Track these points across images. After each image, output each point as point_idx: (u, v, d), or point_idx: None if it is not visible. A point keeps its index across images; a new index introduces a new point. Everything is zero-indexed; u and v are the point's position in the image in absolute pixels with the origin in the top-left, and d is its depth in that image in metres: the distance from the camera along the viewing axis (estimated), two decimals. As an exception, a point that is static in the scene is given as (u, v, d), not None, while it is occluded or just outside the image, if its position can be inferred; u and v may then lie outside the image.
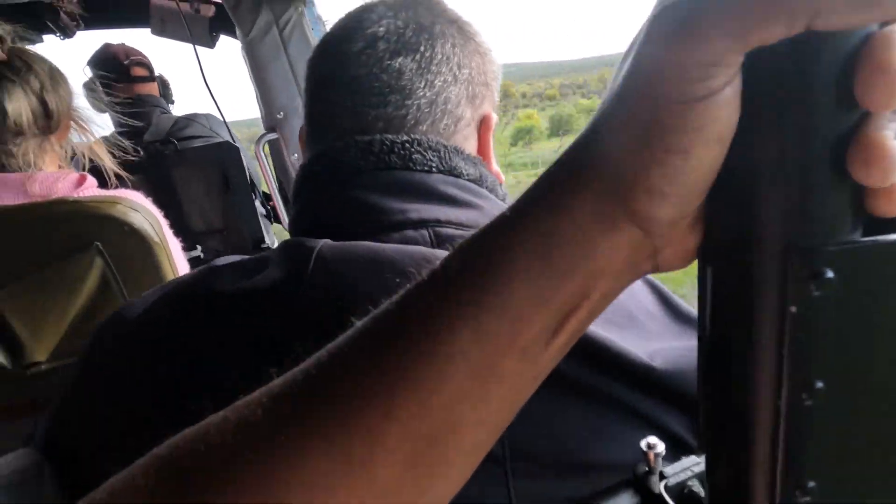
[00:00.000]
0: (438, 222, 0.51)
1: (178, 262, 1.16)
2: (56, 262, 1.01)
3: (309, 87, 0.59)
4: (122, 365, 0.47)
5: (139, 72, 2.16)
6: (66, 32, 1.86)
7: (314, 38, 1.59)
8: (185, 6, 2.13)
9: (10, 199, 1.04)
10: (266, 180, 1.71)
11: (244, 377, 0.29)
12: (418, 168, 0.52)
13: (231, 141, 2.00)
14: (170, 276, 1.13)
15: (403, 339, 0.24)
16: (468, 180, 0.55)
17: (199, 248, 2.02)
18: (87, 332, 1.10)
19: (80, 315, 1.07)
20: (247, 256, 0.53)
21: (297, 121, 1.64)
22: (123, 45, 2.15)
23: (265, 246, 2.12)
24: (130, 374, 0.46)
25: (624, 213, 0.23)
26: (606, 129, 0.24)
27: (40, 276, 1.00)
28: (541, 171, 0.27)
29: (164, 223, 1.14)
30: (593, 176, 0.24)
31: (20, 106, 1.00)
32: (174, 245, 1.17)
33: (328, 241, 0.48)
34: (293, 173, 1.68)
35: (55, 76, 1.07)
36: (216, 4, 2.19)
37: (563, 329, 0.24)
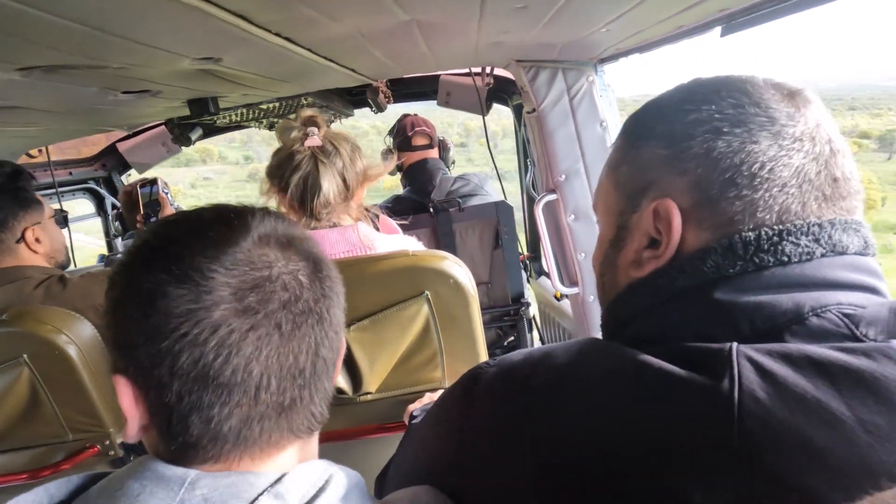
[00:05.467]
0: (840, 304, 0.46)
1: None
2: (393, 306, 1.16)
3: (730, 176, 0.50)
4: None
5: (419, 141, 2.47)
6: (381, 107, 2.23)
7: (602, 105, 1.64)
8: (468, 80, 2.39)
9: (341, 247, 1.24)
10: (540, 239, 1.78)
11: None
12: (794, 260, 0.47)
13: (504, 199, 2.13)
14: (478, 327, 1.21)
15: None
16: (855, 254, 0.49)
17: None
18: (406, 370, 1.24)
19: (404, 354, 1.20)
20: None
21: (578, 182, 1.69)
22: (413, 117, 2.49)
23: (525, 301, 2.18)
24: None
25: None
26: None
27: (380, 317, 1.16)
28: None
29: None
30: None
31: (329, 185, 1.22)
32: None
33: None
34: (568, 234, 1.72)
35: (353, 154, 1.27)
36: (495, 78, 2.42)
37: None
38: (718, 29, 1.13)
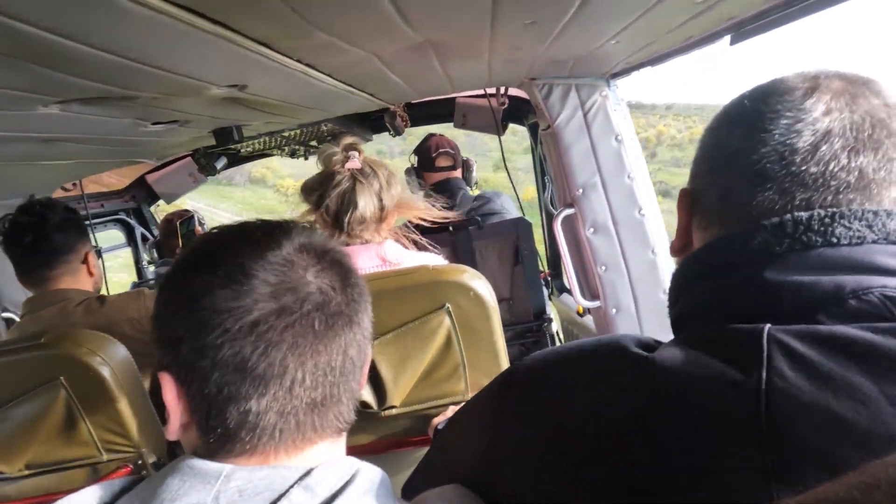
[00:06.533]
0: (885, 287, 0.45)
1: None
2: (415, 320, 1.17)
3: (716, 168, 0.54)
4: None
5: (442, 162, 2.51)
6: (398, 131, 2.28)
7: (616, 119, 1.66)
8: (484, 101, 2.44)
9: (370, 263, 1.28)
10: (561, 254, 1.79)
11: None
12: (843, 242, 0.47)
13: (522, 216, 2.15)
14: (499, 339, 1.22)
15: None
16: None
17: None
18: (430, 383, 1.25)
19: (427, 368, 1.21)
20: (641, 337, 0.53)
21: (595, 195, 1.70)
22: (438, 138, 2.53)
23: (547, 316, 2.18)
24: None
25: None
26: None
27: (403, 331, 1.17)
28: None
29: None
30: None
31: (366, 203, 1.28)
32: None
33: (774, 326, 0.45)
34: (588, 247, 1.73)
35: (390, 179, 1.36)
36: (510, 98, 2.46)
37: None
38: (727, 38, 1.15)
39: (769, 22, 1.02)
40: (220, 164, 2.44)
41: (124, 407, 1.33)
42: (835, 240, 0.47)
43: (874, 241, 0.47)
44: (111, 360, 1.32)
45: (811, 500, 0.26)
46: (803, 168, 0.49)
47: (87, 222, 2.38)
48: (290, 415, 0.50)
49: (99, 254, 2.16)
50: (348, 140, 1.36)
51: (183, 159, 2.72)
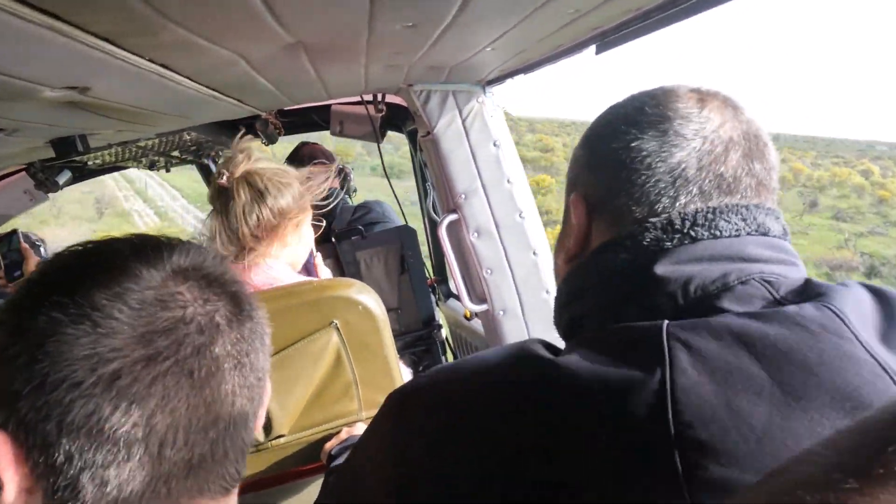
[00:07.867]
0: (762, 273, 0.50)
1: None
2: (301, 339, 1.10)
3: (627, 172, 0.55)
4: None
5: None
6: (271, 139, 2.16)
7: (493, 125, 1.69)
8: (361, 109, 2.39)
9: None
10: (447, 260, 1.79)
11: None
12: (725, 235, 0.52)
13: (406, 223, 2.13)
14: (391, 352, 1.18)
15: None
16: (775, 237, 0.54)
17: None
18: (321, 405, 1.18)
19: (317, 390, 1.14)
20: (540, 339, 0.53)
21: (477, 200, 1.72)
22: (311, 147, 2.43)
23: (436, 323, 2.18)
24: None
25: None
26: None
27: (288, 353, 1.09)
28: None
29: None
30: None
31: (214, 230, 1.24)
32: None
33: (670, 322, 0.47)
34: (473, 252, 1.74)
35: (253, 202, 1.24)
36: (388, 105, 2.43)
37: None
38: (594, 47, 1.21)
39: (630, 33, 1.08)
40: (62, 178, 2.15)
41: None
42: (718, 233, 0.52)
43: (748, 234, 0.52)
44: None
45: None
46: (720, 171, 0.53)
47: None
48: (161, 482, 0.41)
49: None
50: (229, 153, 1.29)
51: (16, 174, 2.36)
